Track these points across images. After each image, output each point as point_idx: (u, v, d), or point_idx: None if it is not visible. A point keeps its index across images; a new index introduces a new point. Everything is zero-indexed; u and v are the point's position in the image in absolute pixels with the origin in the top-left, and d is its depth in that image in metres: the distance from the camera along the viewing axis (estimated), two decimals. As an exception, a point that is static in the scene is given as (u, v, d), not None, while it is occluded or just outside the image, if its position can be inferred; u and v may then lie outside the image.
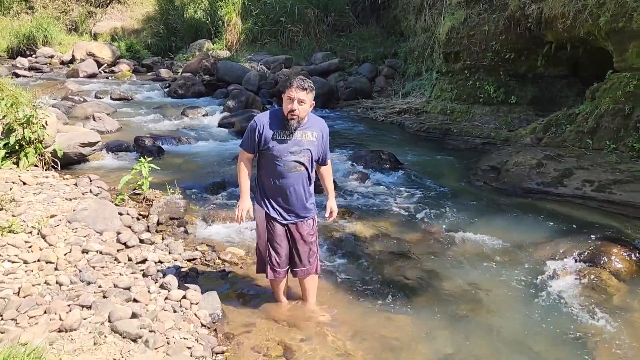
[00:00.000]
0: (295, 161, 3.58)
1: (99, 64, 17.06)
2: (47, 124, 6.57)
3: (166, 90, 13.90)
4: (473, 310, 4.14)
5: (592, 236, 5.13)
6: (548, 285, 4.47)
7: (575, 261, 4.72)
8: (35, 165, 6.51)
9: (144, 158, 5.91)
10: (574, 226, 5.57)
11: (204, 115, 11.05)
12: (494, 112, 9.88)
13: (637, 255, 4.76)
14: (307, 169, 3.66)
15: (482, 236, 5.36)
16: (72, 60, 17.68)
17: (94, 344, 3.00)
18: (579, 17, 7.63)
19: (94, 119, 9.38)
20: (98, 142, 7.40)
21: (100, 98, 12.46)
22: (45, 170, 6.60)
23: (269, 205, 3.69)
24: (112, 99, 12.57)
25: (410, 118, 11.29)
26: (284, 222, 3.72)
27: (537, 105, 9.51)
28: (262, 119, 3.59)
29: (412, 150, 9.17)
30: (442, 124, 10.27)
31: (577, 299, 4.23)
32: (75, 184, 6.13)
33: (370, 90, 14.26)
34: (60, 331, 3.09)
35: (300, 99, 3.45)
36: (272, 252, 3.74)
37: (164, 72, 16.50)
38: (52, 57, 18.81)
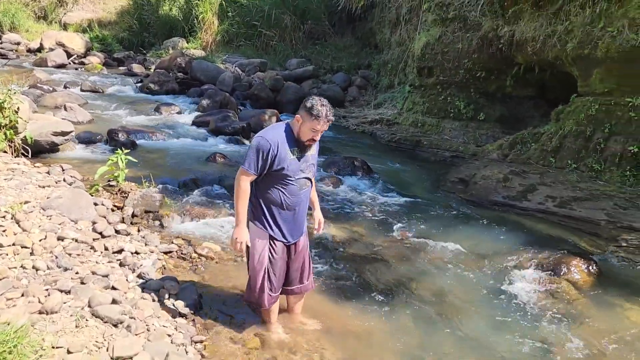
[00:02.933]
0: (305, 177, 3.46)
1: (69, 55, 16.70)
2: (19, 110, 6.45)
3: (139, 85, 13.74)
4: (440, 313, 4.32)
5: (552, 248, 5.41)
6: (511, 291, 4.70)
7: (537, 270, 4.98)
8: (4, 152, 6.38)
9: (121, 150, 5.88)
10: (536, 238, 5.84)
11: (178, 113, 11.00)
12: (463, 127, 10.23)
13: (594, 267, 5.05)
14: (312, 183, 3.59)
15: (450, 244, 5.56)
16: (40, 49, 17.25)
17: (76, 326, 3.01)
18: (548, 41, 8.02)
19: (65, 109, 9.21)
20: (71, 131, 7.31)
21: (69, 89, 12.21)
22: (15, 157, 6.47)
23: (273, 226, 3.44)
24: (82, 90, 12.35)
25: (382, 129, 11.54)
26: (287, 243, 3.54)
27: (504, 123, 9.89)
28: (275, 138, 3.28)
29: (383, 159, 9.39)
30: (413, 135, 10.54)
31: (537, 305, 4.47)
32: (48, 172, 6.04)
33: (343, 99, 14.47)
34: (41, 313, 3.08)
35: (324, 130, 3.33)
36: (272, 277, 3.51)
37: (136, 67, 16.29)
38: (18, 44, 18.32)
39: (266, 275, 3.49)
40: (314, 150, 3.51)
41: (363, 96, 15.00)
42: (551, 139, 7.98)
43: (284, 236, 3.50)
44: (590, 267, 5.03)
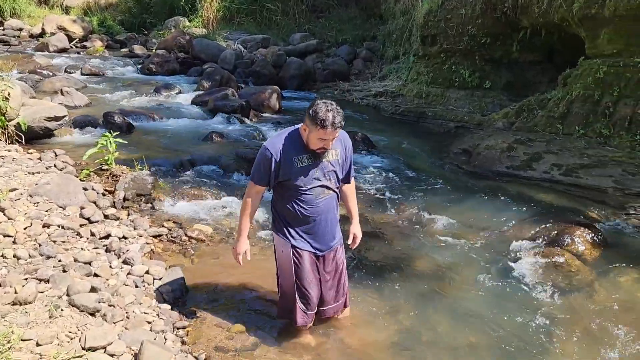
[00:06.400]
0: (322, 186, 3.10)
1: (70, 39, 16.57)
2: (10, 96, 6.36)
3: (139, 66, 13.61)
4: (439, 288, 4.18)
5: (557, 218, 5.21)
6: (512, 264, 4.53)
7: (540, 242, 4.79)
8: (-2, 139, 6.32)
9: (110, 133, 5.77)
10: (541, 209, 5.65)
11: (177, 93, 10.85)
12: (468, 96, 9.92)
13: (600, 237, 4.85)
14: (335, 191, 3.21)
15: (452, 217, 5.39)
16: (42, 34, 17.14)
17: (50, 317, 2.93)
18: (554, 2, 7.67)
19: (62, 94, 9.12)
20: (65, 116, 7.20)
21: (70, 73, 12.11)
22: (9, 144, 6.40)
23: (294, 234, 3.14)
24: (82, 74, 12.25)
25: (386, 101, 11.27)
26: (314, 252, 3.21)
27: (510, 90, 9.58)
28: (276, 145, 2.99)
29: (386, 132, 9.16)
30: (417, 107, 10.27)
31: (540, 279, 4.29)
32: (40, 159, 5.97)
33: (348, 72, 14.17)
34: (14, 304, 3.00)
35: (335, 137, 2.96)
36: (304, 291, 3.19)
37: (137, 49, 16.13)
38: (20, 29, 18.21)
39: (297, 288, 3.18)
40: (336, 155, 3.10)
41: (369, 69, 14.67)
42: (558, 104, 7.68)
43: (308, 244, 3.17)
44: (596, 237, 4.83)
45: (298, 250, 3.15)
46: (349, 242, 3.40)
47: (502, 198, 5.92)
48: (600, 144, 6.90)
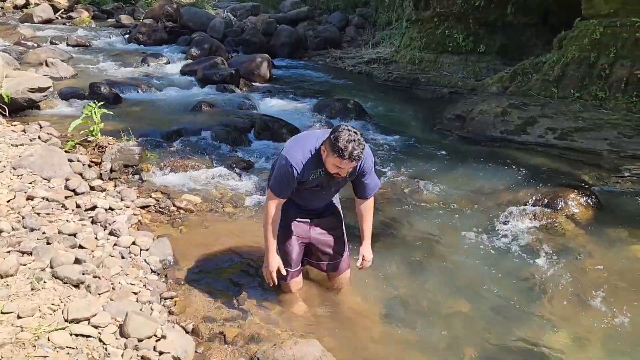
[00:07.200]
0: (323, 189, 3.10)
1: (56, 9, 16.16)
2: (-10, 67, 6.18)
3: (127, 37, 13.31)
4: (431, 255, 4.13)
5: (551, 182, 5.16)
6: (506, 229, 4.47)
7: (533, 206, 4.74)
8: (-20, 112, 6.17)
9: (95, 103, 5.62)
10: (535, 173, 5.57)
11: (165, 63, 10.63)
12: (462, 61, 9.75)
13: (593, 200, 4.80)
14: (336, 191, 3.27)
15: (445, 183, 5.32)
16: (27, 5, 16.74)
17: (32, 289, 2.86)
18: (550, -39, 7.46)
19: (46, 65, 8.89)
20: (49, 87, 7.02)
21: (55, 44, 11.81)
22: (-8, 116, 6.25)
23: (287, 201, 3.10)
24: (68, 45, 11.94)
25: (379, 68, 11.07)
26: (302, 220, 3.24)
27: (505, 54, 9.41)
28: (300, 162, 2.87)
29: (379, 99, 9.02)
30: (410, 73, 10.10)
31: (534, 242, 4.25)
32: (24, 131, 5.83)
33: (340, 40, 13.90)
34: (-5, 277, 2.93)
35: (351, 167, 2.86)
36: (284, 247, 3.22)
37: (124, 19, 15.75)
38: (4, 0, 17.72)
39: (278, 248, 3.16)
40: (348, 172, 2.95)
41: (361, 36, 14.39)
42: (553, 67, 7.54)
43: (299, 207, 3.20)
44: (590, 200, 4.78)
45: (283, 207, 3.08)
46: (358, 263, 3.26)
47: (496, 163, 5.84)
48: (595, 107, 6.80)
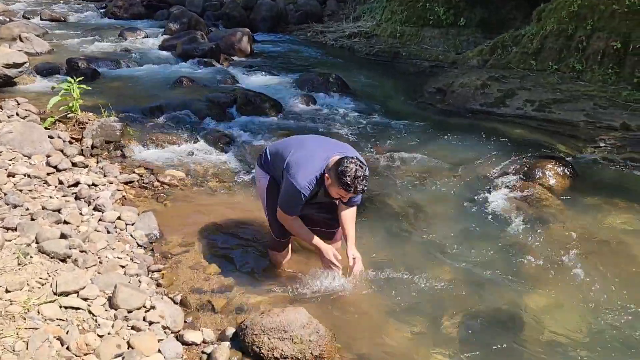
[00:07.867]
0: (324, 203, 3.29)
1: (27, -18, 15.63)
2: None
3: (102, 11, 13.03)
4: (413, 226, 4.23)
5: (528, 153, 5.28)
6: (485, 200, 4.59)
7: (510, 176, 4.86)
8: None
9: (73, 78, 5.53)
10: (514, 144, 5.69)
11: (144, 38, 10.44)
12: (443, 34, 9.75)
13: (570, 170, 4.93)
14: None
15: (426, 155, 5.40)
16: (-4, -22, 16.12)
17: (18, 264, 2.87)
18: None
19: (20, 40, 8.68)
20: (25, 63, 6.87)
21: (28, 19, 11.53)
22: (-33, 93, 6.12)
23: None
24: (42, 19, 11.66)
25: (360, 42, 11.02)
26: None
27: (485, 27, 9.42)
28: (306, 186, 2.98)
29: (360, 73, 9.01)
30: (392, 47, 10.09)
31: (510, 212, 4.37)
32: (0, 107, 5.72)
33: (321, 13, 13.76)
34: (-20, 253, 2.94)
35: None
36: (272, 218, 3.30)
37: (100, -8, 15.32)
38: (-28, -26, 17.08)
39: (268, 217, 3.32)
40: None
41: (342, 9, 14.25)
42: (532, 40, 7.61)
43: None
44: (566, 170, 4.91)
45: (275, 179, 3.21)
46: (351, 264, 3.22)
47: (475, 135, 5.94)
48: (573, 79, 6.91)
